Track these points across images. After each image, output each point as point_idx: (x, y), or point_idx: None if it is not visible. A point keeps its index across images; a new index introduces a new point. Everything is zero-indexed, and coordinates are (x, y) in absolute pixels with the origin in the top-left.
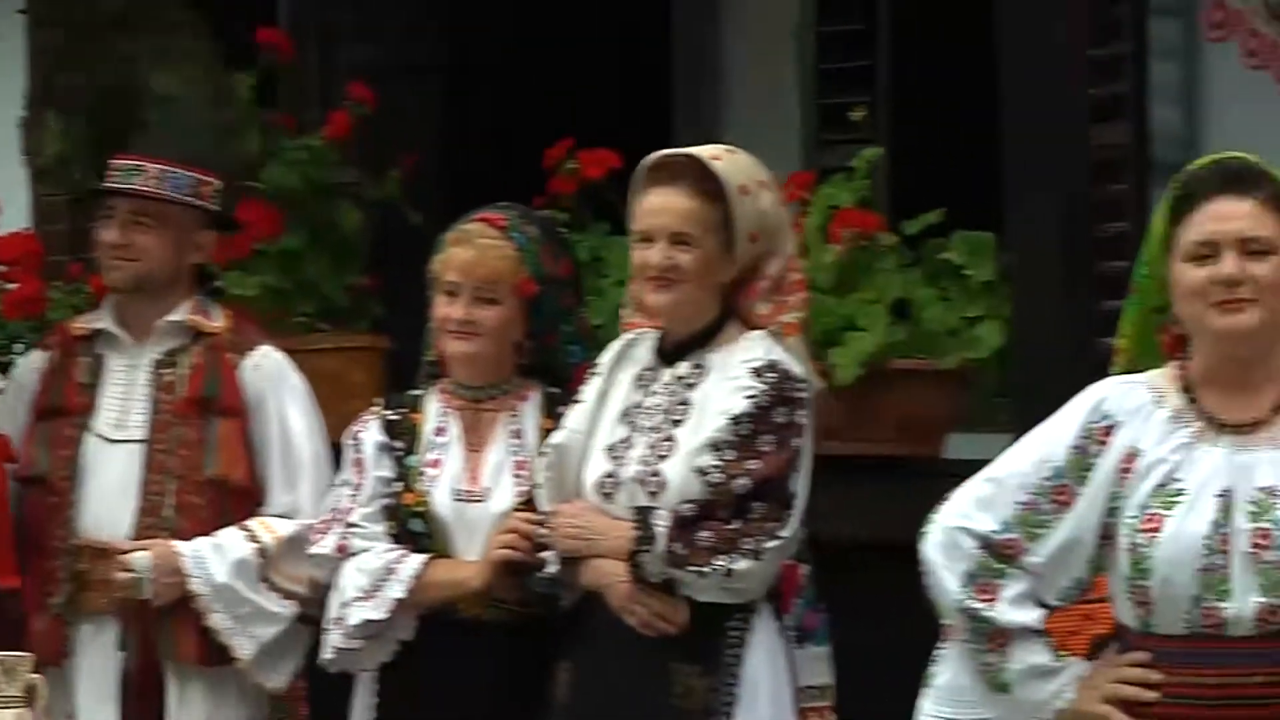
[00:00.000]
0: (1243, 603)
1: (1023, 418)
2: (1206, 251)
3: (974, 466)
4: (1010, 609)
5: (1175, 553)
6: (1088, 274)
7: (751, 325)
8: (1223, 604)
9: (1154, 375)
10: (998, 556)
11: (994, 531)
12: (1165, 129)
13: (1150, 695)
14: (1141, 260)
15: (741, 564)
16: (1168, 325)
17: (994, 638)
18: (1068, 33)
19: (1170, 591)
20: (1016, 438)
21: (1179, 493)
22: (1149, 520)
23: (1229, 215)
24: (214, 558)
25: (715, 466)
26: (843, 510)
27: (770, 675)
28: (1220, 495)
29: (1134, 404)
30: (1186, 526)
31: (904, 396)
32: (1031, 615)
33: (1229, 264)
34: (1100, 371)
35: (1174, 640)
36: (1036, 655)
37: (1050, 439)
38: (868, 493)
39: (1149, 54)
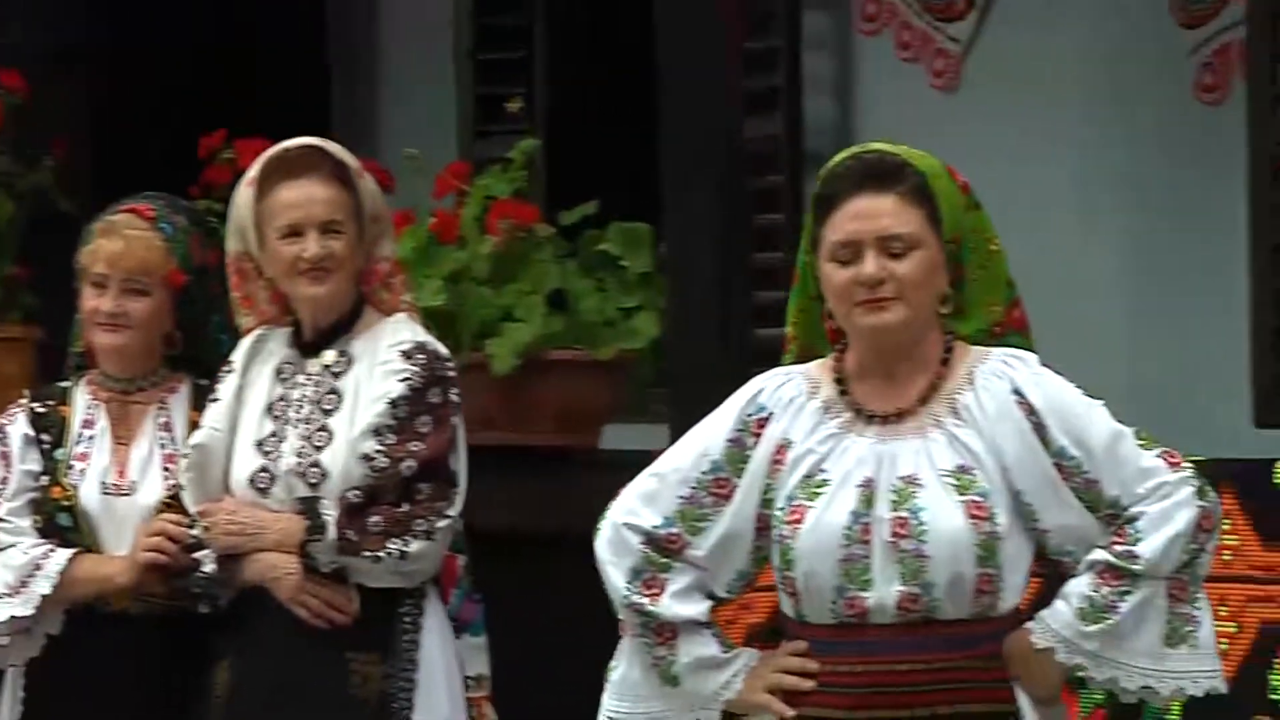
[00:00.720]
0: (884, 592)
1: (678, 408)
2: (848, 253)
3: (630, 457)
4: (675, 603)
5: (816, 543)
6: (742, 265)
7: (380, 310)
8: (864, 593)
9: (812, 366)
10: (661, 551)
11: (657, 527)
12: (819, 121)
13: (808, 684)
14: (802, 249)
15: (415, 545)
16: (826, 315)
17: (661, 632)
18: (723, 25)
19: (814, 583)
20: (672, 428)
21: (823, 483)
22: (794, 511)
23: (868, 213)
24: None
25: (379, 451)
26: (500, 500)
27: (444, 659)
28: (862, 485)
29: (788, 395)
30: (826, 517)
31: (561, 387)
32: (698, 608)
33: (870, 265)
34: (755, 362)
35: (823, 629)
36: (704, 647)
37: (710, 433)
38: (525, 483)
39: (802, 46)
